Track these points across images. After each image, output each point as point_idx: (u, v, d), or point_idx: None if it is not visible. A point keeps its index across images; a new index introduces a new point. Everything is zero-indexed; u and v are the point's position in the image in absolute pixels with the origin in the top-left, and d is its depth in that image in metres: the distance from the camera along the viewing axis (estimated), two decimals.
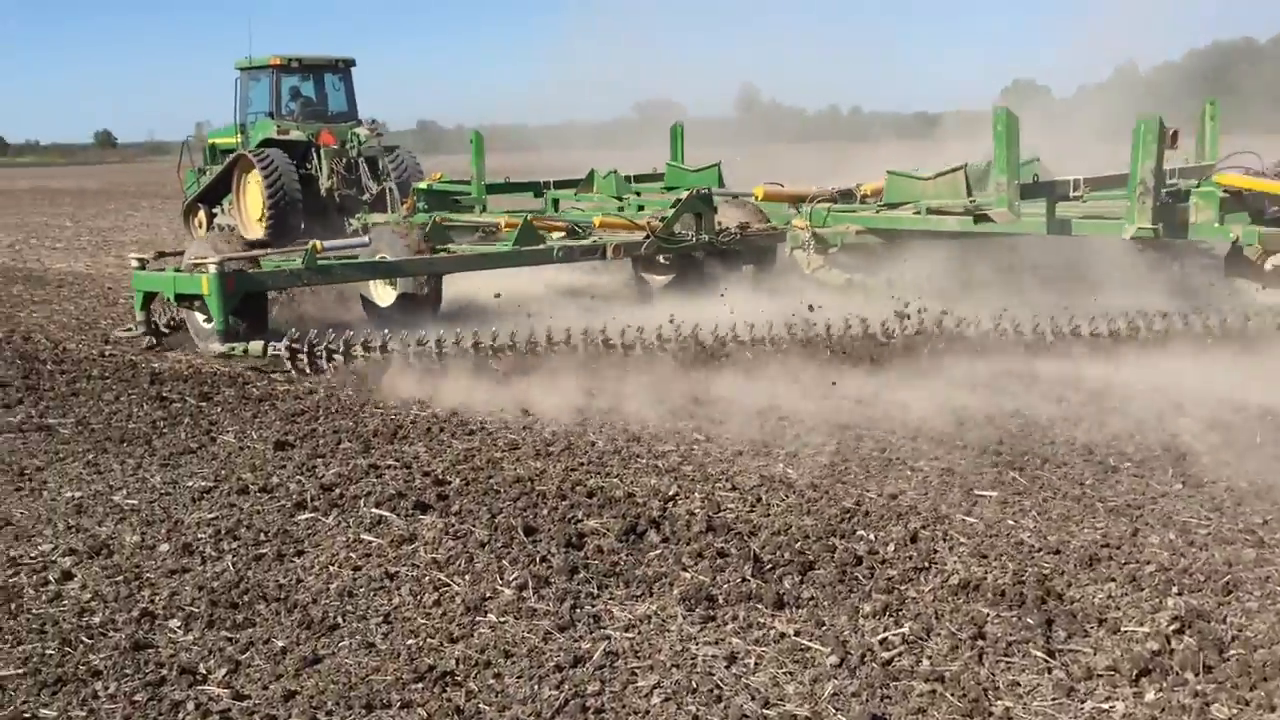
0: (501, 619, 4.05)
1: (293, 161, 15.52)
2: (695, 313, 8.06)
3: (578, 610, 4.10)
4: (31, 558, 4.70)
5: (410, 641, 3.89)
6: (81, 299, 12.54)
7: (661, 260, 10.88)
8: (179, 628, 4.04)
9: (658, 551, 4.64)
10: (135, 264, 9.13)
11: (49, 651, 3.84)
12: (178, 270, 8.74)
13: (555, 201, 12.42)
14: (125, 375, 8.26)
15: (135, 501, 5.40)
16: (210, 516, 5.16)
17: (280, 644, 3.89)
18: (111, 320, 10.85)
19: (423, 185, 13.53)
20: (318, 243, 8.70)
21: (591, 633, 3.94)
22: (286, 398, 7.45)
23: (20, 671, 3.71)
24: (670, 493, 5.36)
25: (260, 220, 15.42)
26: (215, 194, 16.64)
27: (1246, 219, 8.13)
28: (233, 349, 8.13)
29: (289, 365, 7.91)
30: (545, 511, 5.10)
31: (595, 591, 4.27)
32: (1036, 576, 4.25)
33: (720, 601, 4.15)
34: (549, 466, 5.83)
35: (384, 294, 9.86)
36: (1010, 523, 4.88)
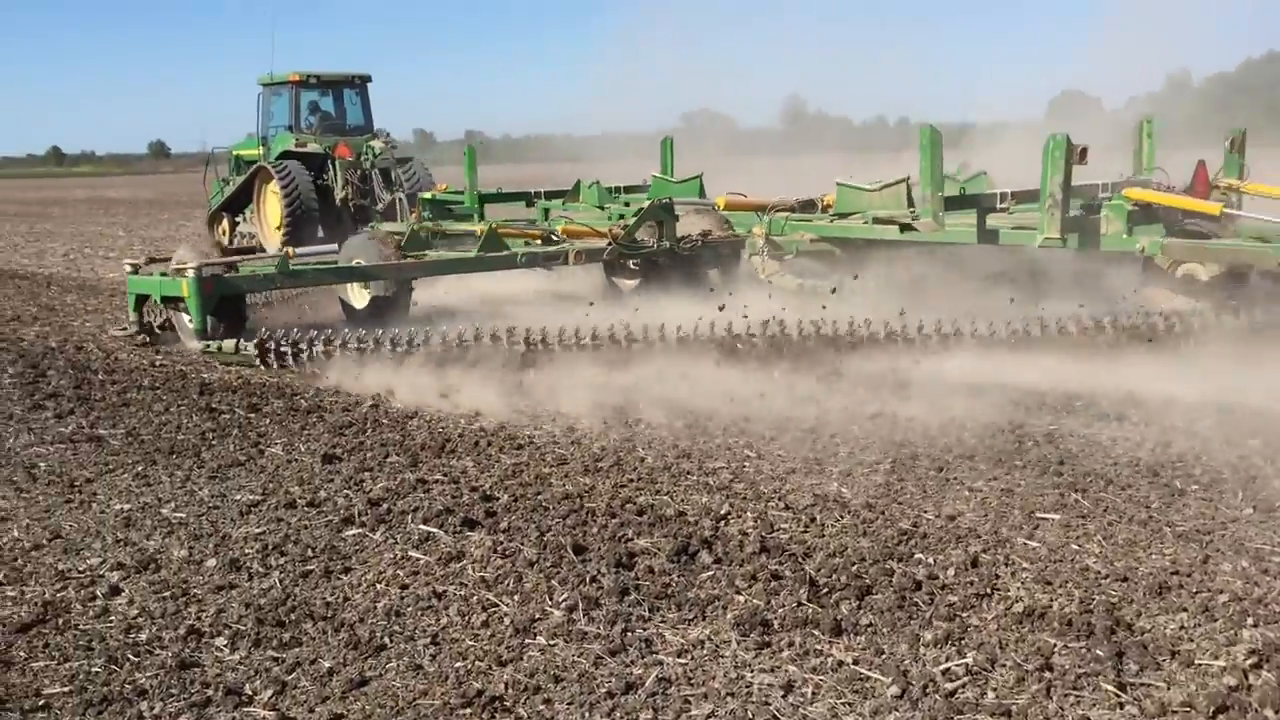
0: (551, 642, 3.96)
1: (310, 173, 16.10)
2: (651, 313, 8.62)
3: (629, 634, 4.00)
4: (80, 571, 4.68)
5: (459, 664, 3.81)
6: None
7: (631, 265, 11.31)
8: (225, 646, 3.99)
9: (710, 573, 4.53)
10: (129, 269, 9.93)
11: (95, 669, 3.80)
12: (163, 275, 9.40)
13: (546, 210, 12.97)
14: (175, 385, 8.29)
15: (183, 515, 5.37)
16: (257, 531, 5.12)
17: (327, 665, 3.83)
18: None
19: (427, 196, 14.15)
20: (290, 249, 9.63)
21: (643, 657, 3.84)
22: (335, 409, 7.44)
23: (67, 690, 3.67)
24: (722, 511, 5.25)
25: (279, 228, 15.88)
26: (238, 203, 17.18)
27: (1161, 231, 8.68)
28: (208, 346, 8.87)
29: (258, 361, 8.50)
30: (595, 530, 5.01)
31: (647, 614, 4.17)
32: (1104, 605, 4.10)
33: (775, 627, 4.03)
34: (598, 483, 5.74)
35: (359, 297, 10.55)
36: (1074, 547, 4.72)
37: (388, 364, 8.15)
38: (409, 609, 4.26)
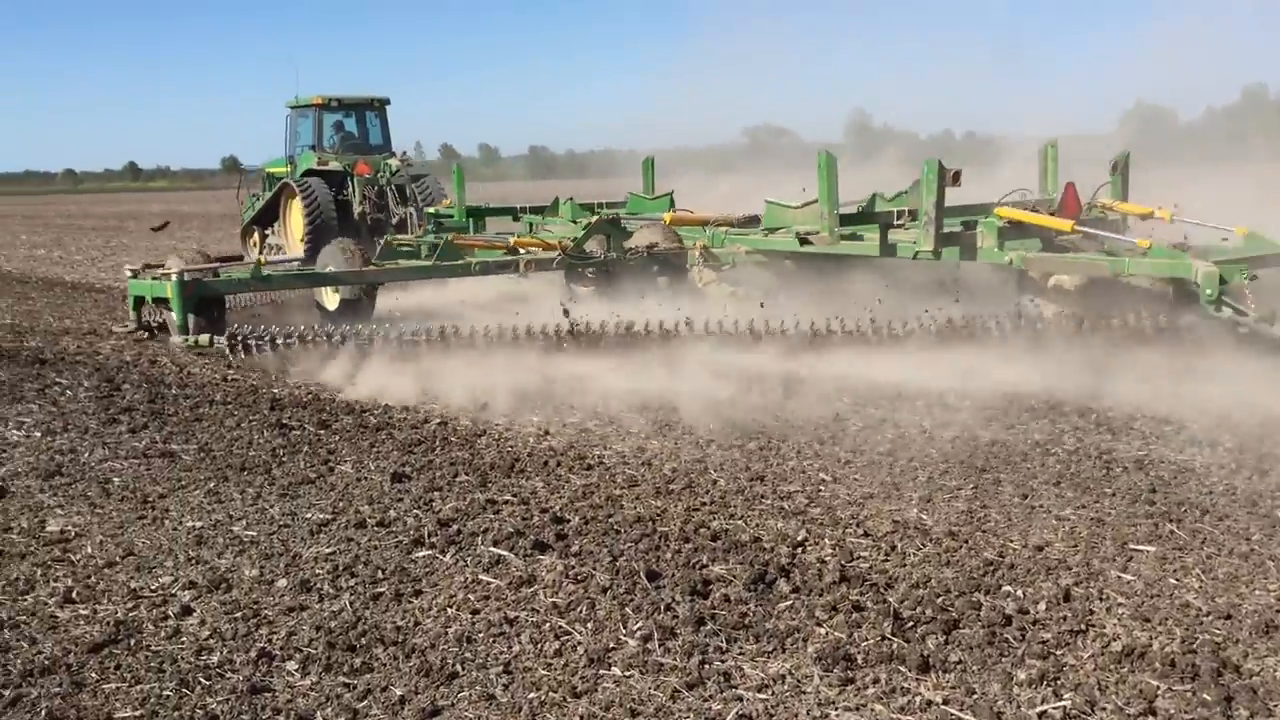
0: (626, 673, 3.85)
1: (331, 189, 17.04)
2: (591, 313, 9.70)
3: (706, 666, 3.87)
4: (152, 590, 4.65)
5: (532, 695, 3.71)
6: None
7: (588, 274, 12.23)
8: (296, 670, 3.92)
9: (789, 603, 4.39)
10: (129, 273, 11.16)
11: (167, 692, 3.76)
12: (154, 279, 10.65)
13: (531, 224, 14.31)
14: (247, 400, 8.32)
15: (254, 533, 5.34)
16: (328, 551, 5.07)
17: (399, 692, 3.74)
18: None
19: (431, 210, 15.45)
20: (261, 258, 11.37)
21: (722, 692, 3.70)
22: (403, 426, 7.41)
23: (138, 713, 3.63)
24: (799, 538, 5.10)
25: (301, 240, 16.59)
26: (268, 217, 18.14)
27: (1038, 245, 9.84)
28: (186, 340, 10.10)
29: (229, 354, 9.70)
30: (668, 555, 4.89)
31: (724, 645, 4.04)
32: (1208, 645, 3.89)
33: (859, 662, 3.88)
34: (670, 506, 5.62)
35: (331, 300, 12.09)
36: (1172, 581, 4.51)
37: (335, 356, 9.37)
38: (480, 635, 4.17)
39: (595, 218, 12.59)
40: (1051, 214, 10.13)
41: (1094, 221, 10.48)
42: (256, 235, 18.43)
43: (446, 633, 4.20)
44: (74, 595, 4.58)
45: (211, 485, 6.14)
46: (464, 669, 3.90)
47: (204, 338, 10.00)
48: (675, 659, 3.93)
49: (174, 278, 10.24)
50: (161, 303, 10.65)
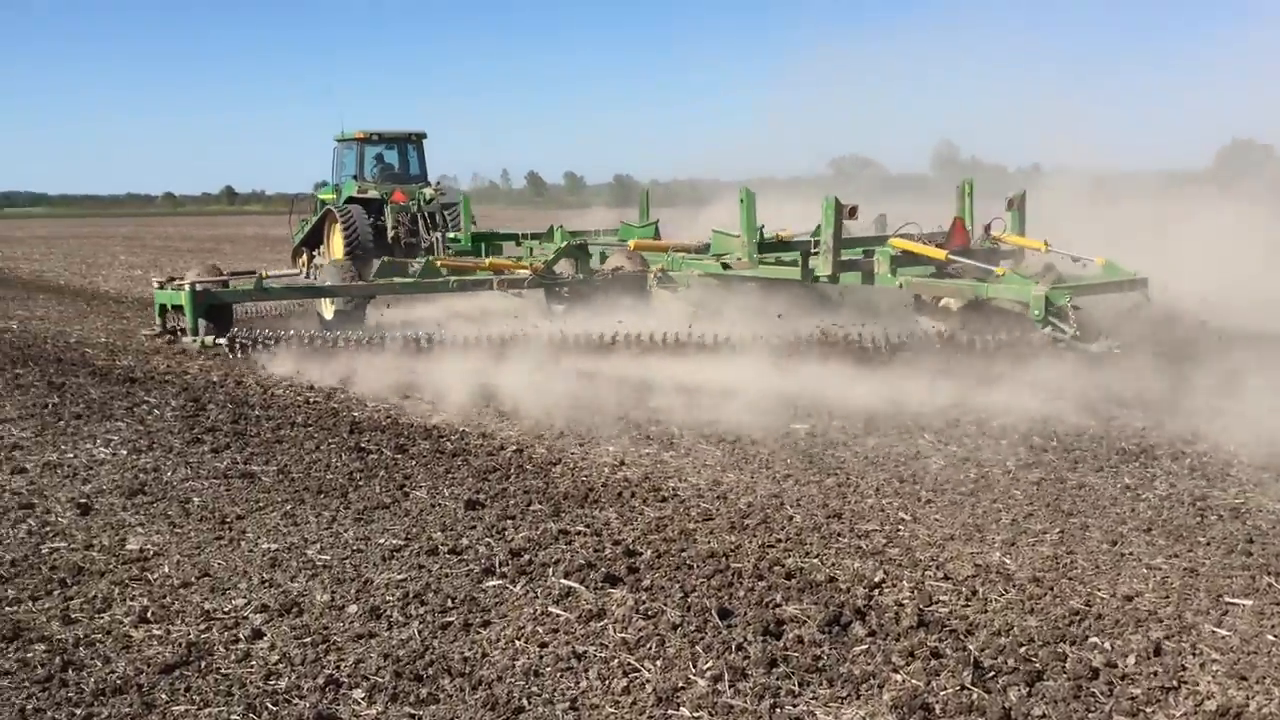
0: (695, 714, 3.76)
1: (370, 216, 18.39)
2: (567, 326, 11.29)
3: (778, 710, 3.77)
4: (225, 612, 4.68)
5: None
6: None
7: (563, 293, 13.89)
8: (363, 699, 3.90)
9: (864, 646, 4.26)
10: (156, 285, 12.65)
11: (234, 717, 3.76)
12: (174, 289, 12.14)
13: (531, 248, 15.88)
14: (327, 423, 8.41)
15: (328, 557, 5.36)
16: (399, 578, 5.06)
17: None
18: (330, 373, 11.16)
19: (452, 236, 17.12)
20: (264, 270, 12.71)
21: None
22: (479, 453, 7.41)
23: None
24: (876, 579, 4.97)
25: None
26: (315, 239, 19.47)
27: (930, 270, 11.22)
28: (195, 340, 11.65)
29: (229, 352, 11.29)
30: (741, 593, 4.79)
31: (796, 689, 3.93)
32: None
33: (937, 712, 3.74)
34: (744, 541, 5.52)
35: (328, 310, 14.10)
36: (1270, 638, 4.29)
37: (313, 356, 10.86)
38: (548, 669, 4.11)
39: (564, 244, 14.44)
40: (940, 245, 11.36)
41: (985, 252, 11.77)
42: (305, 256, 19.41)
43: (514, 665, 4.15)
44: (149, 615, 4.63)
45: (288, 508, 6.18)
46: (530, 703, 3.85)
47: (209, 338, 11.57)
48: (746, 701, 3.83)
49: (186, 288, 11.79)
50: (179, 309, 12.07)
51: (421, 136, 20.15)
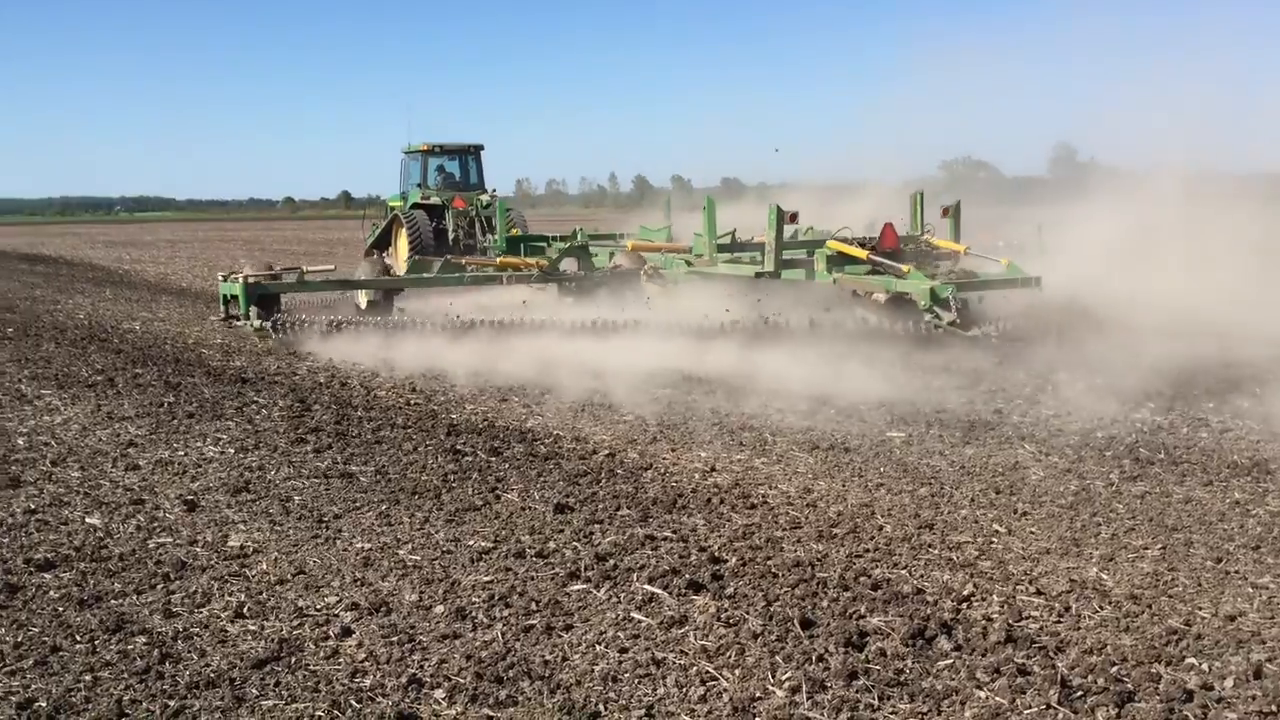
0: None
1: (432, 221, 20.49)
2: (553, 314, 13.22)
3: None
4: (317, 609, 4.80)
5: None
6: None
7: (570, 287, 15.33)
8: (443, 699, 3.97)
9: (948, 661, 4.18)
10: (220, 278, 14.28)
11: (319, 713, 3.86)
12: (233, 281, 13.74)
13: (560, 250, 16.70)
14: (425, 425, 8.56)
15: (418, 558, 5.46)
16: (486, 579, 5.13)
17: None
18: (428, 375, 11.38)
19: (496, 239, 18.77)
20: (304, 267, 14.54)
21: None
22: (572, 457, 7.47)
23: None
24: (965, 592, 4.87)
25: (405, 262, 19.07)
26: (384, 241, 21.75)
27: (864, 270, 12.78)
28: (247, 324, 13.34)
29: (271, 334, 13.05)
30: (825, 603, 4.74)
31: (876, 702, 3.88)
32: None
33: None
34: (831, 551, 5.46)
35: (362, 300, 15.57)
36: None
37: (338, 339, 12.75)
38: (626, 675, 4.13)
39: (567, 245, 16.26)
40: (871, 248, 12.94)
41: (914, 254, 13.32)
42: (376, 256, 20.67)
43: (593, 670, 4.17)
44: (245, 610, 4.78)
45: (384, 508, 6.32)
46: (606, 709, 3.87)
47: (257, 322, 13.24)
48: (824, 714, 3.80)
49: (240, 280, 13.51)
50: (236, 298, 13.69)
51: (479, 149, 22.33)
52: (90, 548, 5.64)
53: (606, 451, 7.62)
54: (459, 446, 7.79)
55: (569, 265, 15.69)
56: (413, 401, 9.61)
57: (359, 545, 5.67)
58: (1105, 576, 5.07)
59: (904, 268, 12.35)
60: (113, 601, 4.90)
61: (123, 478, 7.02)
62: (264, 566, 5.35)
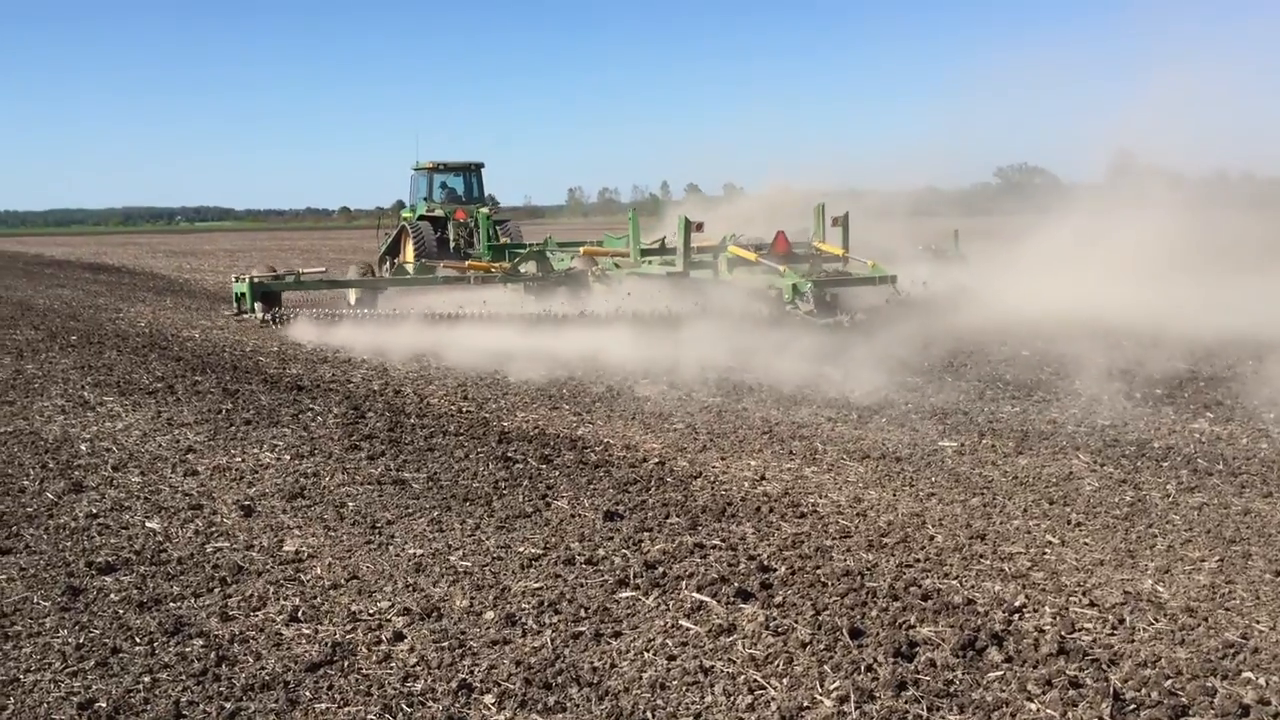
0: None
1: (436, 231, 22.82)
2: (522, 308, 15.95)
3: None
4: (370, 614, 4.87)
5: None
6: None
7: (532, 287, 17.44)
8: (493, 705, 4.01)
9: (999, 673, 4.15)
10: (234, 279, 17.16)
11: (371, 717, 3.91)
12: (241, 281, 16.73)
13: (537, 256, 19.23)
14: (477, 433, 8.64)
15: (469, 564, 5.52)
16: (535, 586, 5.17)
17: None
18: (480, 383, 11.48)
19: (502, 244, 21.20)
20: (300, 269, 17.97)
21: None
22: (622, 465, 7.50)
23: None
24: (1017, 604, 4.83)
25: (411, 266, 21.50)
26: (395, 249, 23.73)
27: (760, 270, 15.32)
28: (253, 315, 16.16)
29: (272, 323, 15.77)
30: (874, 613, 4.73)
31: (925, 713, 3.85)
32: None
33: None
34: (881, 560, 5.44)
35: (351, 299, 18.58)
36: None
37: (316, 325, 15.26)
38: (674, 682, 4.14)
39: (526, 251, 19.25)
40: (761, 252, 15.60)
41: (805, 257, 16.10)
42: (388, 263, 23.36)
43: (641, 678, 4.19)
44: (300, 614, 4.86)
45: (435, 514, 6.38)
46: (654, 716, 3.88)
47: (261, 315, 16.01)
48: None
49: (246, 280, 16.51)
50: (244, 296, 16.41)
51: (480, 166, 24.66)
52: (150, 551, 5.76)
53: (656, 459, 7.64)
54: (510, 454, 7.85)
55: (535, 268, 18.36)
56: (464, 409, 9.70)
57: (411, 551, 5.73)
58: (1161, 589, 5.00)
59: (781, 268, 15.04)
60: (171, 604, 5.00)
61: (181, 483, 7.16)
62: (318, 571, 5.43)
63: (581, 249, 18.53)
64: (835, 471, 7.26)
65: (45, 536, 6.05)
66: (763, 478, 7.11)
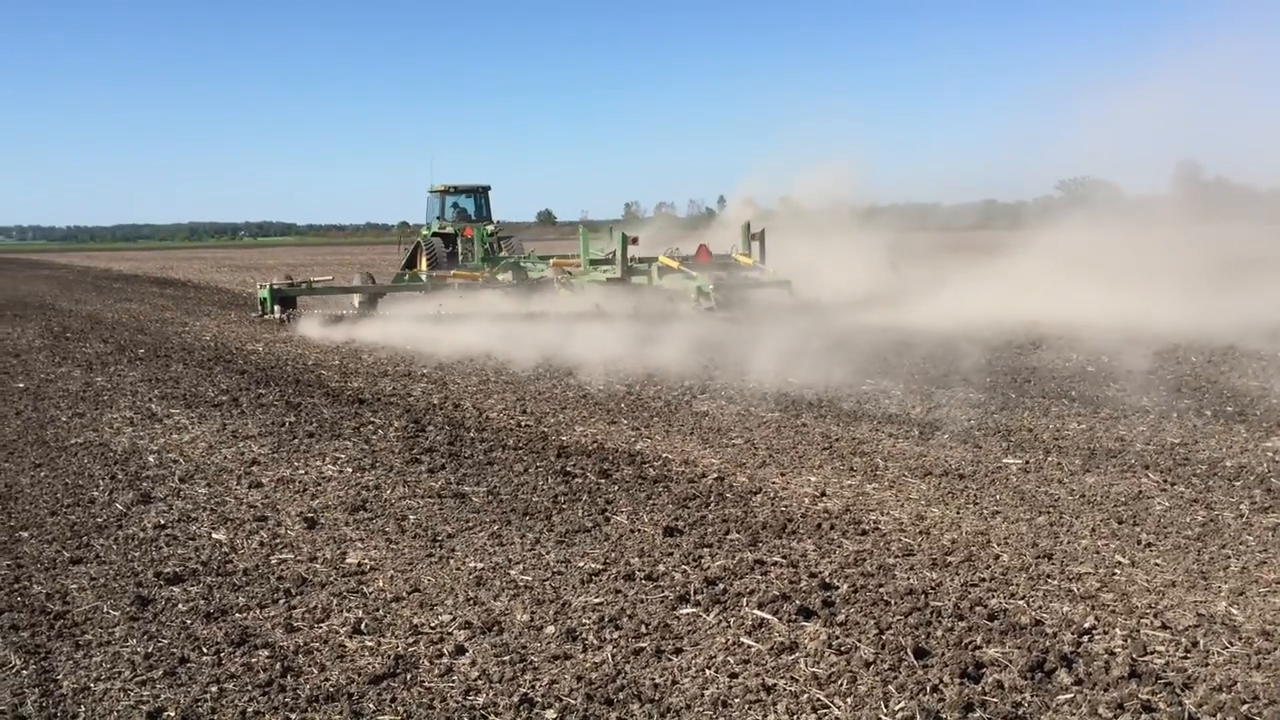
0: None
1: (447, 246, 25.55)
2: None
3: None
4: (431, 627, 4.89)
5: None
6: (508, 368, 13.46)
7: (508, 293, 20.31)
8: (554, 719, 4.00)
9: (1069, 696, 4.06)
10: (259, 286, 21.08)
11: None
12: (264, 287, 20.54)
13: (526, 269, 22.60)
14: (536, 447, 8.66)
15: (529, 578, 5.52)
16: (596, 601, 5.16)
17: None
18: (539, 397, 11.53)
19: (502, 256, 24.25)
20: (312, 279, 21.42)
21: None
22: (681, 480, 7.47)
23: None
24: (1086, 625, 4.73)
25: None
26: (412, 262, 26.59)
27: (684, 275, 19.37)
28: (272, 315, 19.45)
29: (286, 322, 18.78)
30: (939, 632, 4.66)
31: None
32: None
33: None
34: (946, 579, 5.36)
35: (355, 303, 21.67)
36: None
37: (319, 322, 18.24)
38: (736, 700, 4.11)
39: (501, 261, 22.99)
40: (684, 262, 20.00)
41: (724, 266, 20.24)
42: (408, 275, 25.82)
43: (703, 695, 4.16)
44: (363, 627, 4.89)
45: (495, 528, 6.40)
46: None
47: (278, 316, 19.28)
48: None
49: (267, 286, 20.38)
50: (265, 300, 20.06)
51: (487, 188, 27.83)
52: (216, 562, 5.84)
53: (715, 475, 7.61)
54: (569, 468, 7.86)
55: (511, 276, 21.91)
56: (523, 423, 9.74)
57: (472, 565, 5.75)
58: (1235, 611, 4.88)
59: (695, 274, 19.15)
60: (237, 615, 5.06)
61: (246, 495, 7.26)
62: (380, 584, 5.47)
63: (552, 260, 22.10)
64: (897, 488, 7.18)
65: (115, 547, 6.15)
66: (823, 494, 7.05)
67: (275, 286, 20.12)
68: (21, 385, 12.59)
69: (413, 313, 18.60)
